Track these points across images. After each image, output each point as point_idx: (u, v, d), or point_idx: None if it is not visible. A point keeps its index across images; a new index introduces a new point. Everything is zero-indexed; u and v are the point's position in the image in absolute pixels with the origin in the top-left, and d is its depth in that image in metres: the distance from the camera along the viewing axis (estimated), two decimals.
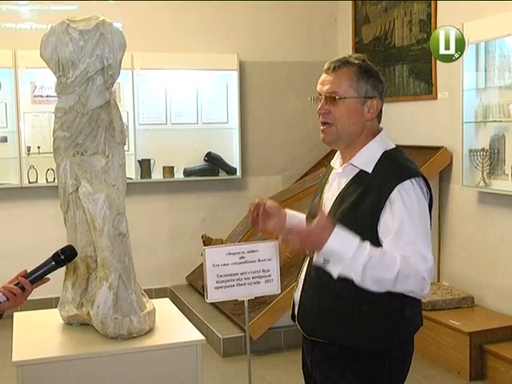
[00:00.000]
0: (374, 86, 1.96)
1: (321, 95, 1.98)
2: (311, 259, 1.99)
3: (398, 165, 1.92)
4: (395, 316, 1.90)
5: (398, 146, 2.03)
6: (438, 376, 4.24)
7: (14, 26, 5.42)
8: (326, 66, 2.00)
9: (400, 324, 1.92)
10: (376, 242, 1.83)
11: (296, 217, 2.16)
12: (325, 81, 1.98)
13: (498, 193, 4.41)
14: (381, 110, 2.02)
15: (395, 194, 1.84)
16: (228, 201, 6.11)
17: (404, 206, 1.83)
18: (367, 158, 1.95)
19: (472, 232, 4.73)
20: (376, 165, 1.93)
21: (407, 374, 2.03)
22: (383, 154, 1.95)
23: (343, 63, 1.96)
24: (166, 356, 2.70)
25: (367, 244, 1.79)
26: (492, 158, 4.46)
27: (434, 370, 4.32)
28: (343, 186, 1.98)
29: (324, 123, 1.98)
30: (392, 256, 1.78)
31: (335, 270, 1.80)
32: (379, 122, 2.04)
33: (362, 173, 1.94)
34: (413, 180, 1.87)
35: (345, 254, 1.76)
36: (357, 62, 1.96)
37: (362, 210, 1.87)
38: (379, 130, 2.02)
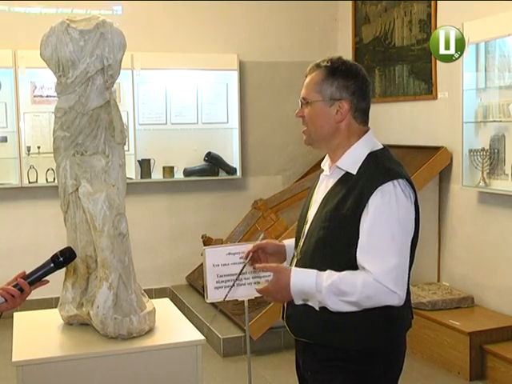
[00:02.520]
0: (341, 87, 1.93)
1: None
2: (298, 260, 2.01)
3: (381, 167, 1.90)
4: (381, 315, 1.88)
5: (385, 147, 2.01)
6: (438, 376, 4.24)
7: (14, 26, 5.41)
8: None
9: (387, 323, 1.91)
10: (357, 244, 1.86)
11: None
12: (303, 85, 2.02)
13: (498, 193, 4.41)
14: (363, 110, 1.98)
15: (373, 197, 1.83)
16: (228, 201, 6.12)
17: (378, 210, 1.82)
18: (352, 159, 1.94)
19: (472, 232, 4.73)
20: (360, 166, 1.92)
21: (400, 373, 2.02)
22: (368, 155, 1.94)
23: (313, 67, 1.99)
24: (165, 356, 2.70)
25: (324, 274, 1.84)
26: (492, 158, 4.46)
27: (434, 369, 4.32)
28: (329, 187, 1.99)
29: (303, 126, 2.03)
30: (351, 280, 1.81)
31: (316, 306, 1.89)
32: (366, 123, 2.00)
33: (347, 174, 1.94)
34: (395, 182, 1.85)
35: (310, 295, 1.87)
36: (324, 64, 1.96)
37: (344, 212, 1.87)
38: (366, 131, 2.00)
